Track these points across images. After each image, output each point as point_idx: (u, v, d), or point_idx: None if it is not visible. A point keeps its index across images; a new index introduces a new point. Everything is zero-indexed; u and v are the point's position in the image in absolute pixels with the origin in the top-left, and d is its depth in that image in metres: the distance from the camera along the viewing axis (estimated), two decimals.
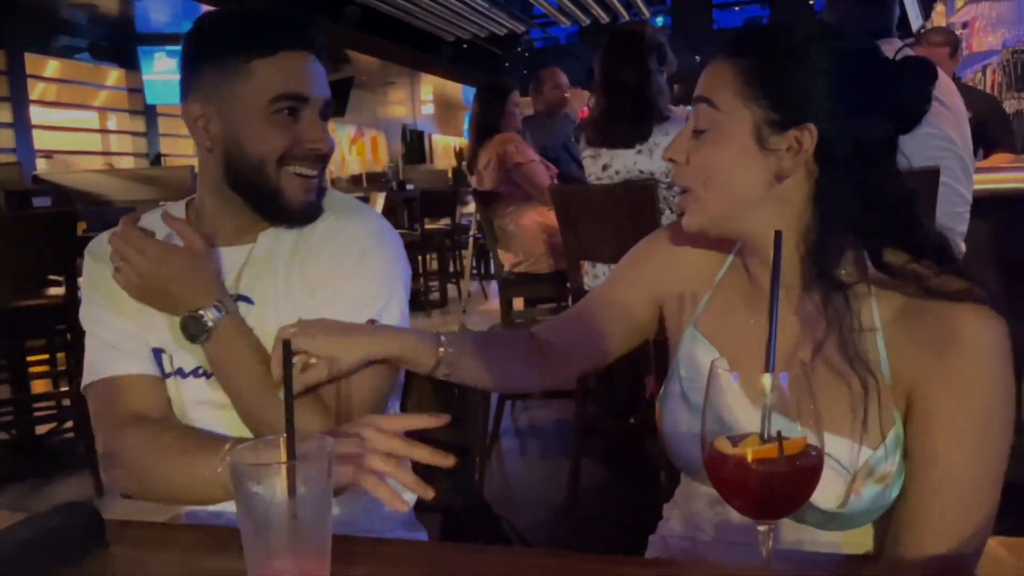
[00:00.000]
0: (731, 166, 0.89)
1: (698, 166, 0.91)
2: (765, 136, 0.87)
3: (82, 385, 1.15)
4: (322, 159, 1.12)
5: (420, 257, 6.97)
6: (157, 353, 1.14)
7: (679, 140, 0.93)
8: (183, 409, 1.15)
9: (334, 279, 1.12)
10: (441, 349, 0.99)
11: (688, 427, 0.94)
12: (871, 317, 0.87)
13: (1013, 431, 0.82)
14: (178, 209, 1.19)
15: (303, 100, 1.08)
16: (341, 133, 14.89)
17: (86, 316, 1.17)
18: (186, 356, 1.13)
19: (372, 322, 1.08)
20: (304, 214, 1.13)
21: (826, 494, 0.83)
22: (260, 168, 1.08)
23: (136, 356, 1.13)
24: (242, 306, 1.12)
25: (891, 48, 2.52)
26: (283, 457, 0.70)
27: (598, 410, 3.30)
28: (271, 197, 1.10)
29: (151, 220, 1.15)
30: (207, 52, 1.10)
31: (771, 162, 0.88)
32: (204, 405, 1.13)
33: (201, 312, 1.06)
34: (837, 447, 0.84)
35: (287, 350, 0.74)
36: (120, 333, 1.14)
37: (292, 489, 0.67)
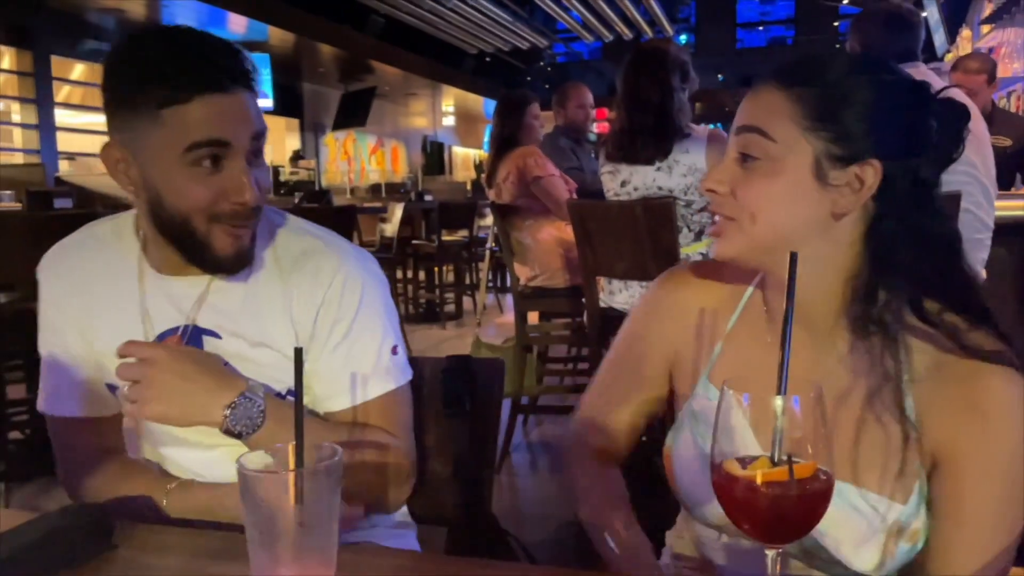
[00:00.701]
0: (785, 200, 0.84)
1: (747, 198, 0.85)
2: (825, 171, 0.83)
3: (38, 407, 1.13)
4: (254, 211, 1.02)
5: (436, 268, 6.99)
6: (113, 389, 1.11)
7: (722, 170, 0.88)
8: (152, 441, 1.14)
9: (340, 320, 1.08)
10: None
11: (704, 480, 0.92)
12: (901, 367, 0.84)
13: None
14: (124, 228, 1.13)
15: (223, 145, 0.97)
16: (362, 142, 15.00)
17: (44, 343, 1.13)
18: None
19: (395, 350, 1.11)
20: (235, 264, 1.04)
21: (862, 555, 0.82)
22: (186, 223, 1.00)
23: (89, 398, 1.12)
24: (208, 340, 1.07)
25: (917, 72, 2.52)
26: (291, 464, 0.70)
27: None
28: (199, 249, 1.02)
29: (80, 240, 1.14)
30: (121, 91, 0.99)
31: (827, 198, 0.83)
32: (170, 439, 1.10)
33: (237, 401, 0.97)
34: (870, 503, 0.83)
35: (299, 357, 0.74)
36: (74, 371, 1.11)
37: (299, 497, 0.67)
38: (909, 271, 0.83)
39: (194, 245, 1.01)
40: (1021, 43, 6.91)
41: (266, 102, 10.88)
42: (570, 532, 2.73)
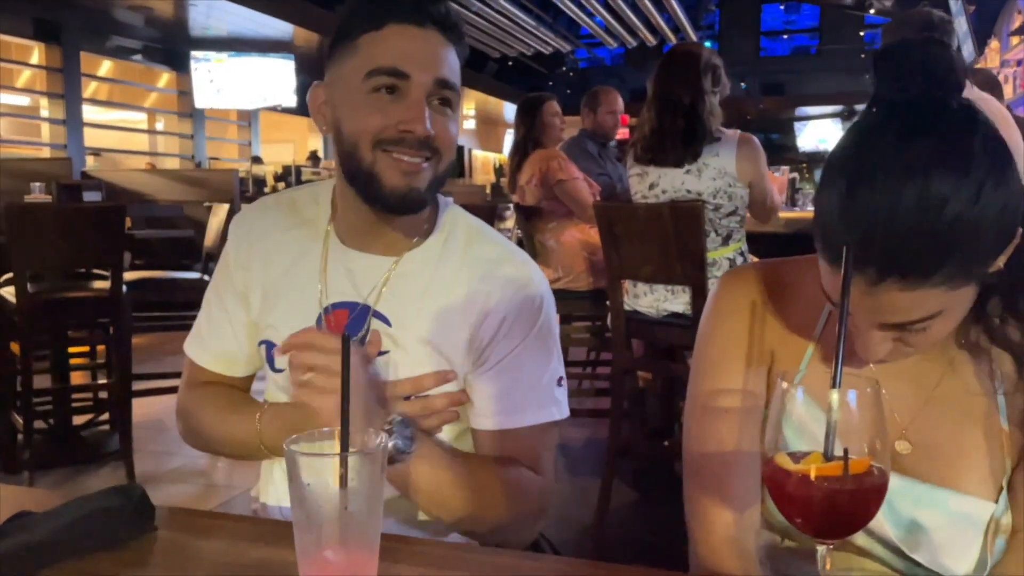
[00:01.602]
0: (960, 316, 0.77)
1: (926, 344, 0.77)
2: (984, 278, 0.74)
3: (185, 344, 1.19)
4: (424, 144, 1.00)
5: None
6: (270, 347, 1.11)
7: (879, 351, 0.77)
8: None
9: (516, 336, 1.05)
10: None
11: None
12: (990, 367, 0.83)
13: None
14: (322, 194, 1.15)
15: (402, 76, 0.98)
16: None
17: (212, 287, 1.18)
18: None
19: (560, 382, 1.07)
20: (403, 203, 1.02)
21: (964, 561, 0.81)
22: (355, 150, 1.00)
23: (226, 357, 1.16)
24: (377, 324, 1.06)
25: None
26: (337, 448, 0.71)
27: (631, 432, 3.27)
28: (367, 182, 1.01)
29: (277, 201, 1.17)
30: (336, 33, 1.04)
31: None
32: None
33: (396, 418, 0.94)
34: (969, 506, 0.81)
35: (346, 344, 0.74)
36: (229, 326, 1.15)
37: (344, 481, 0.67)
38: (1008, 299, 0.79)
39: (364, 178, 1.01)
40: None
41: (290, 102, 10.94)
42: (590, 535, 2.73)
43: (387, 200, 1.02)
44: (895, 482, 0.80)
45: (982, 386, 0.83)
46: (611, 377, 3.02)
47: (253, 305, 1.13)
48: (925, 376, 0.86)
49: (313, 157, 12.29)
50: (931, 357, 0.86)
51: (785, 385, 0.62)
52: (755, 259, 2.76)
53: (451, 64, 1.02)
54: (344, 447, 0.70)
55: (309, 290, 1.09)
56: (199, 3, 9.05)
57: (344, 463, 0.68)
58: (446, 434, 1.08)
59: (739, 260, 2.70)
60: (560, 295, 3.56)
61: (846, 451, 0.59)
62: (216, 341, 1.17)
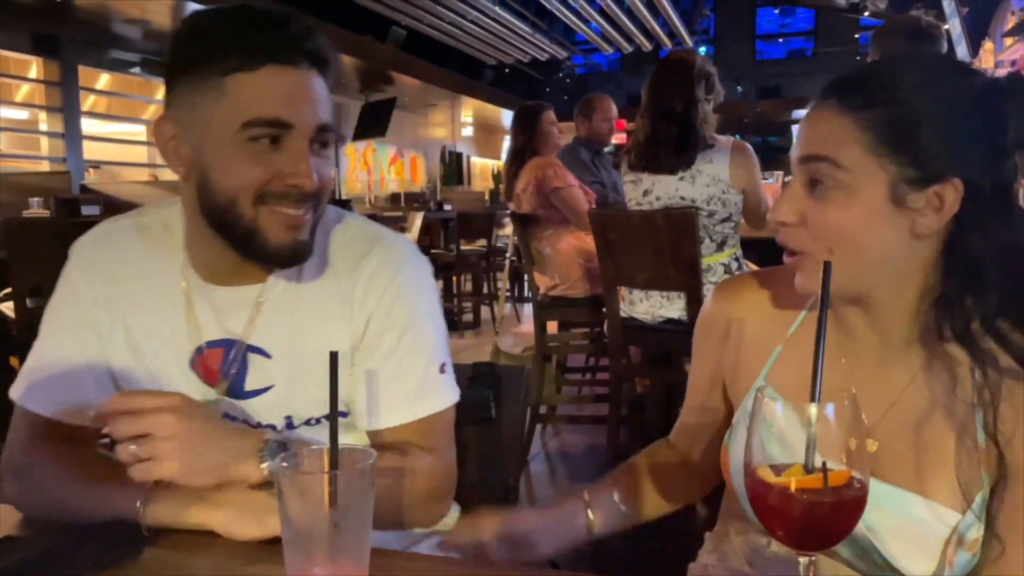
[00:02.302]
0: (863, 228, 0.80)
1: (822, 229, 0.82)
2: (901, 195, 0.79)
3: (12, 394, 1.01)
4: (310, 196, 0.93)
5: (455, 278, 7.02)
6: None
7: (789, 201, 0.84)
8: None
9: (389, 330, 1.01)
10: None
11: None
12: (970, 382, 0.83)
13: None
14: (172, 220, 1.05)
15: (285, 127, 0.90)
16: (381, 153, 15.08)
17: (57, 325, 1.03)
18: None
19: (443, 368, 1.07)
20: (290, 256, 0.95)
21: (920, 564, 0.82)
22: (232, 205, 0.91)
23: (87, 405, 0.98)
24: (256, 359, 1.00)
25: None
26: (326, 467, 0.71)
27: (629, 438, 3.27)
28: (247, 237, 0.93)
29: (124, 227, 1.06)
30: (183, 62, 0.92)
31: (906, 220, 0.80)
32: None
33: (267, 445, 0.88)
34: (935, 513, 0.82)
35: (334, 362, 0.75)
36: (89, 373, 1.01)
37: (334, 499, 0.68)
38: (989, 284, 0.80)
39: (243, 233, 0.93)
40: None
41: None
42: (590, 543, 2.72)
43: (272, 257, 0.95)
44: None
45: (958, 398, 0.83)
46: (609, 383, 3.03)
47: (118, 349, 1.02)
48: (893, 380, 0.87)
49: None
50: (900, 362, 0.87)
51: (763, 398, 0.63)
52: (749, 264, 2.77)
53: (329, 103, 0.95)
54: (333, 465, 0.71)
55: (178, 331, 1.01)
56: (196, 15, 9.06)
57: (333, 481, 0.69)
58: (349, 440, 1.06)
59: (733, 266, 2.71)
60: (557, 302, 3.61)
61: (824, 464, 0.59)
62: (69, 389, 1.01)
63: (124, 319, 1.03)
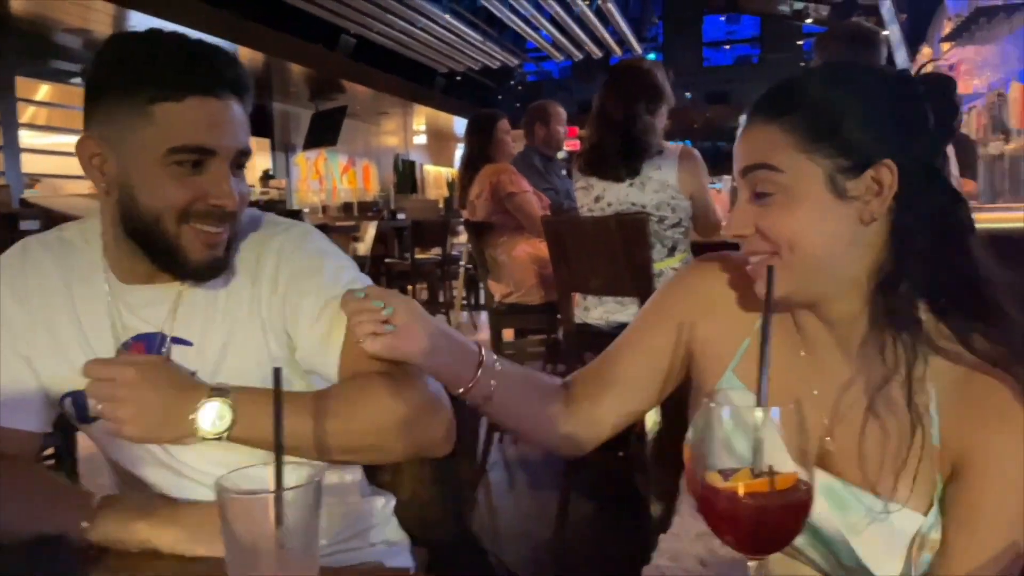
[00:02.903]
0: (812, 224, 0.84)
1: (776, 231, 0.85)
2: (840, 184, 0.83)
3: None
4: (229, 216, 1.00)
5: (410, 287, 6.98)
6: (77, 397, 1.04)
7: (739, 215, 0.87)
8: (116, 455, 1.09)
9: (307, 292, 1.04)
10: (480, 371, 0.94)
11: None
12: (923, 378, 0.84)
13: None
14: (91, 232, 1.09)
15: (208, 152, 0.97)
16: (333, 161, 14.97)
17: None
18: None
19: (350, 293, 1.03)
20: (207, 271, 1.02)
21: (886, 565, 0.83)
22: (156, 224, 0.97)
23: (21, 408, 1.03)
24: (177, 349, 1.04)
25: None
26: (271, 485, 0.70)
27: None
28: (169, 253, 0.99)
29: (47, 242, 1.09)
30: (110, 84, 0.97)
31: (852, 209, 0.83)
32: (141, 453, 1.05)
33: (202, 404, 0.90)
34: (895, 515, 0.83)
35: (277, 377, 0.74)
36: (11, 379, 1.03)
37: (279, 519, 0.66)
38: (931, 262, 0.83)
39: (164, 249, 0.99)
40: (980, 60, 7.09)
41: None
42: (548, 550, 2.73)
43: (191, 273, 1.01)
44: (825, 478, 0.82)
45: (915, 401, 0.84)
46: None
47: (48, 359, 1.05)
48: (851, 380, 0.89)
49: (265, 176, 12.16)
50: (859, 358, 0.88)
51: (711, 404, 0.64)
52: None
53: (246, 127, 1.02)
54: (279, 484, 0.70)
55: (103, 331, 1.05)
56: (139, 24, 8.90)
57: (279, 501, 0.67)
58: None
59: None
60: (513, 309, 3.61)
61: (771, 468, 0.60)
62: (6, 409, 1.03)
63: (51, 329, 1.05)
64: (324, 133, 12.76)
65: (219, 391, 0.92)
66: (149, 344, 1.05)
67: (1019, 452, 0.80)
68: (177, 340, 1.05)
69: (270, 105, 13.22)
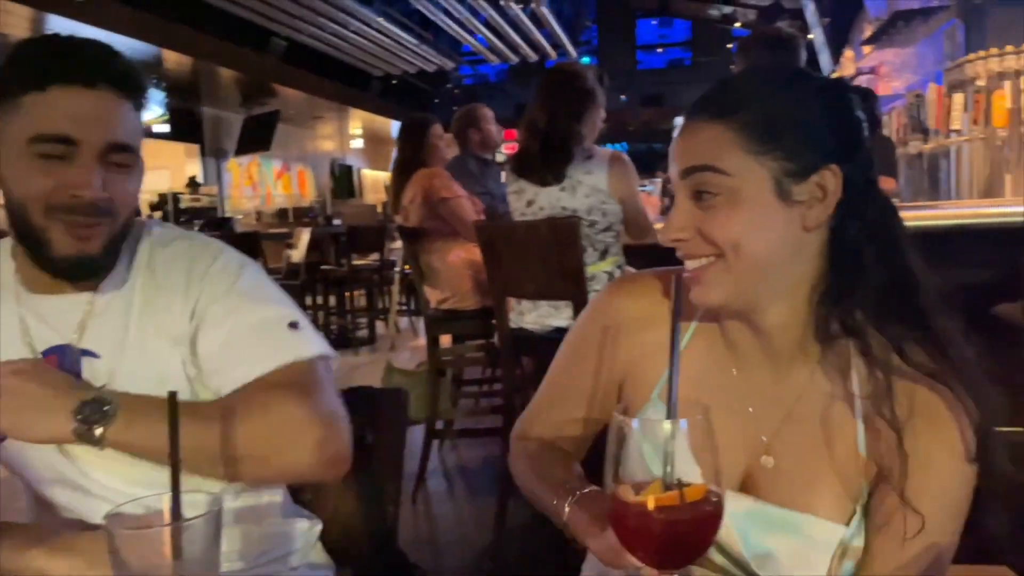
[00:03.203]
0: (757, 228, 0.82)
1: (719, 234, 0.82)
2: (786, 188, 0.81)
3: None
4: (96, 209, 0.96)
5: (347, 294, 6.88)
6: None
7: (679, 218, 0.83)
8: (26, 476, 1.05)
9: (219, 312, 1.02)
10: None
11: None
12: (849, 386, 0.85)
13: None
14: (3, 249, 1.09)
15: (70, 143, 0.94)
16: (267, 167, 14.69)
17: None
18: None
19: (294, 325, 1.02)
20: (75, 269, 1.00)
21: None
22: (24, 214, 0.96)
23: None
24: (87, 362, 1.02)
25: None
26: (167, 518, 0.66)
27: None
28: (38, 247, 0.98)
29: None
30: None
31: (796, 214, 0.82)
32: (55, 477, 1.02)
33: (84, 404, 0.89)
34: (819, 529, 0.83)
35: (173, 401, 0.70)
36: None
37: (178, 551, 0.63)
38: (869, 270, 0.83)
39: (35, 242, 0.97)
40: (899, 63, 7.35)
41: (162, 127, 10.51)
42: (488, 557, 2.71)
43: (58, 267, 1.00)
44: (749, 505, 0.82)
45: (841, 410, 0.85)
46: (503, 395, 3.02)
47: None
48: (784, 394, 0.88)
49: (191, 183, 11.82)
50: (792, 370, 0.88)
51: (621, 419, 0.63)
52: (632, 271, 2.83)
53: (127, 123, 0.99)
54: (176, 515, 0.66)
55: (14, 344, 1.03)
56: (58, 28, 8.57)
57: (177, 533, 0.64)
58: None
59: (617, 273, 2.76)
60: (449, 315, 3.58)
61: (679, 481, 0.59)
62: None
63: None
64: (257, 138, 12.51)
65: (101, 394, 0.91)
66: (61, 357, 1.02)
67: (944, 460, 0.80)
68: (85, 352, 1.02)
69: (199, 110, 12.91)
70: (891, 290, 0.83)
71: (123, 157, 0.99)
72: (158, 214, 9.94)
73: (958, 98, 4.85)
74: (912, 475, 0.80)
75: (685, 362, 0.90)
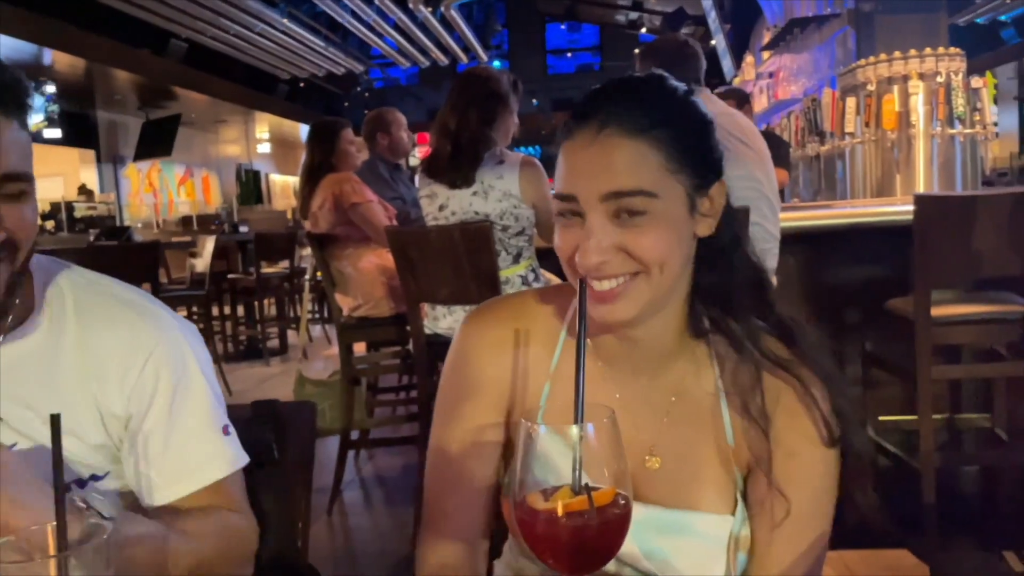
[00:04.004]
0: (677, 243, 0.82)
1: (648, 256, 0.80)
2: (694, 203, 0.83)
3: None
4: None
5: (256, 303, 6.69)
6: None
7: (604, 239, 0.79)
8: None
9: (155, 408, 0.97)
10: None
11: None
12: (714, 381, 0.88)
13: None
14: None
15: None
16: (168, 173, 14.16)
17: None
18: None
19: (226, 429, 1.02)
20: None
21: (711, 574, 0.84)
22: None
23: None
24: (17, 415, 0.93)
25: (704, 96, 2.71)
26: (52, 549, 0.62)
27: None
28: None
29: None
30: None
31: (694, 226, 0.84)
32: None
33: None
34: (710, 524, 0.84)
35: (56, 425, 0.66)
36: None
37: None
38: (735, 271, 0.87)
39: None
40: (796, 68, 7.66)
41: (53, 132, 9.99)
42: (406, 567, 2.67)
43: None
44: (641, 511, 0.83)
45: (713, 404, 0.88)
46: (418, 402, 2.99)
47: None
48: (660, 397, 0.90)
49: (82, 191, 11.26)
50: (662, 377, 0.90)
51: (528, 425, 0.62)
52: (546, 273, 2.84)
53: (15, 147, 0.87)
54: (62, 545, 0.62)
55: None
56: None
57: (63, 565, 0.60)
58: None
59: (531, 276, 2.77)
60: (363, 323, 3.52)
61: (587, 485, 0.59)
62: None
63: None
64: (156, 143, 12.04)
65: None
66: None
67: (805, 447, 0.84)
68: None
69: (94, 114, 12.34)
70: (749, 287, 0.88)
71: (16, 187, 0.87)
72: (50, 224, 9.45)
73: (851, 102, 5.08)
74: (777, 463, 0.84)
75: (559, 380, 0.91)
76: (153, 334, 0.99)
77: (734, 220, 0.88)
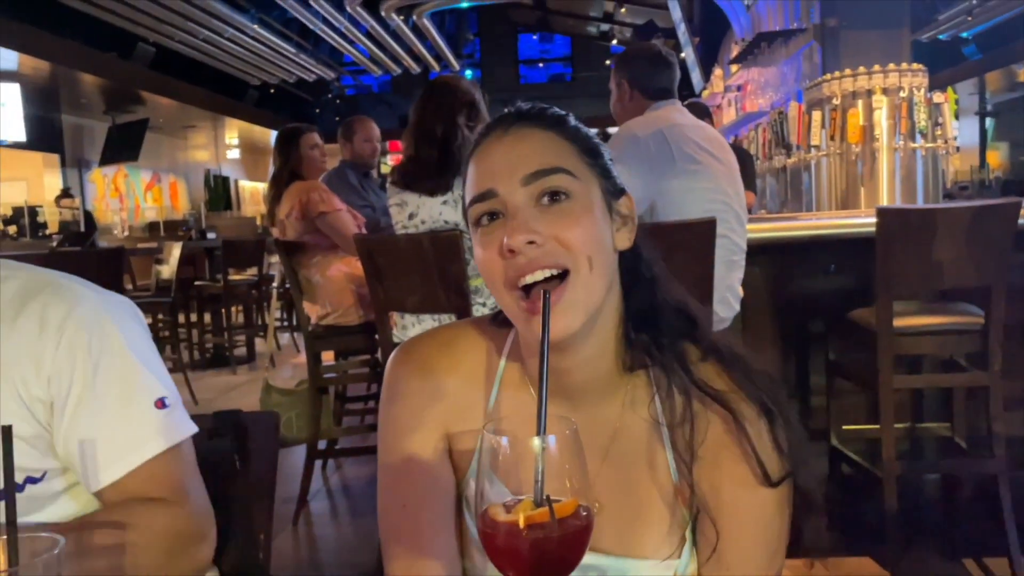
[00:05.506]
0: (604, 234, 0.79)
1: (576, 239, 0.76)
2: (609, 203, 0.82)
3: None
4: None
5: (223, 310, 6.61)
6: None
7: (524, 222, 0.76)
8: None
9: (78, 379, 0.93)
10: None
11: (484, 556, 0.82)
12: (654, 414, 0.83)
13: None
14: None
15: None
16: (135, 178, 13.97)
17: None
18: None
19: (161, 403, 0.95)
20: None
21: None
22: None
23: None
24: None
25: (673, 108, 2.73)
26: (2, 563, 0.60)
27: None
28: None
29: None
30: None
31: (614, 232, 0.82)
32: None
33: None
34: (651, 570, 0.81)
35: (7, 436, 0.64)
36: None
37: None
38: (658, 298, 0.85)
39: None
40: (763, 81, 7.77)
41: (17, 135, 9.81)
42: None
43: None
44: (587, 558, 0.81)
45: (653, 440, 0.84)
46: None
47: None
48: (597, 435, 0.84)
49: (63, 195, 11.05)
50: (600, 415, 0.85)
51: (491, 437, 0.62)
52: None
53: None
54: (12, 560, 0.61)
55: None
56: None
57: None
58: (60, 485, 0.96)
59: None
60: (331, 331, 3.49)
61: (548, 497, 0.59)
62: None
63: None
64: (123, 147, 11.87)
65: None
66: None
67: (735, 488, 0.80)
68: None
69: (59, 118, 12.13)
70: (675, 310, 0.85)
71: None
72: (12, 229, 9.26)
73: (816, 115, 5.15)
74: (711, 501, 0.80)
75: (499, 425, 0.86)
76: (65, 310, 0.95)
77: (649, 238, 0.87)
